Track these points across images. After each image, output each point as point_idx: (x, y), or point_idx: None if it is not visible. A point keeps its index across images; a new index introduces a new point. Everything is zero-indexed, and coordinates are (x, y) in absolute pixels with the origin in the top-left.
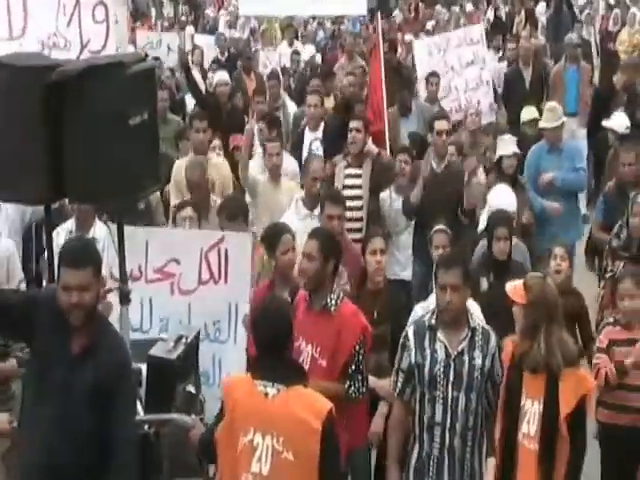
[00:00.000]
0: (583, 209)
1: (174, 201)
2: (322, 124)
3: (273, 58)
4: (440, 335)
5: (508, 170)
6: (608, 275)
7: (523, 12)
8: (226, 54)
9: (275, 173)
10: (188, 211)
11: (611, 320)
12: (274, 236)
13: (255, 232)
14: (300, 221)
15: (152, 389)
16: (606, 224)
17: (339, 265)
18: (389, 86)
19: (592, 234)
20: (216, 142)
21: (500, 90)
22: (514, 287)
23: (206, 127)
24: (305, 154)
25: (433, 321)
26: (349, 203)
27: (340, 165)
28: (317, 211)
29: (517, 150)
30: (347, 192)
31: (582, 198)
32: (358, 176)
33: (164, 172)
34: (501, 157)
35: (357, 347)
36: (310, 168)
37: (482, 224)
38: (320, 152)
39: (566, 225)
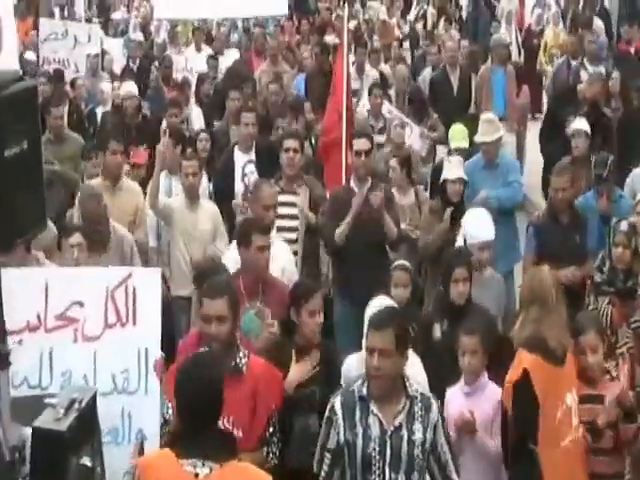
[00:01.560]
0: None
1: None
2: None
3: (179, 63)
4: (373, 407)
5: (453, 197)
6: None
7: (436, 10)
8: (138, 61)
9: (193, 195)
10: (77, 237)
11: None
12: (206, 277)
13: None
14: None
15: (38, 466)
16: (540, 256)
17: None
18: (320, 95)
19: (524, 268)
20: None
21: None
22: None
23: (122, 149)
24: (238, 178)
25: (364, 390)
26: (284, 235)
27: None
28: None
29: (463, 175)
30: (280, 222)
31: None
32: (293, 204)
33: (63, 196)
34: (445, 181)
35: (274, 406)
36: (261, 195)
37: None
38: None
39: (504, 249)
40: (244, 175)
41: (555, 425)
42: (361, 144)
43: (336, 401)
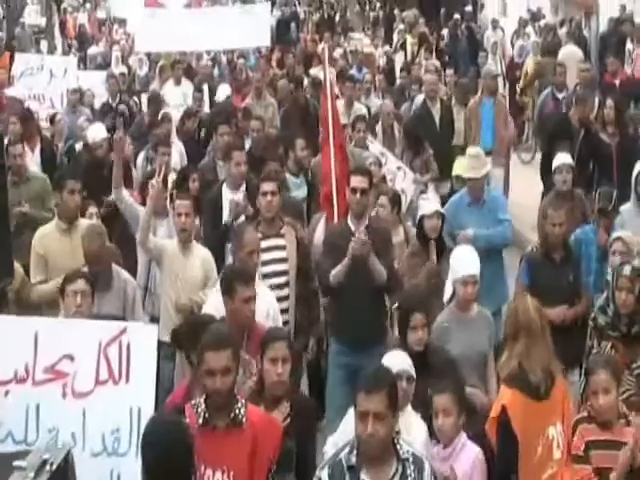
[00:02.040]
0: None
1: (35, 277)
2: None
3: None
4: (364, 476)
5: (431, 233)
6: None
7: (416, 39)
8: (118, 96)
9: (185, 238)
10: (80, 284)
11: (585, 414)
12: (195, 333)
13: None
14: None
15: None
16: (532, 292)
17: None
18: (297, 128)
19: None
20: (92, 210)
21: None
22: None
23: (79, 188)
24: (226, 217)
25: (353, 459)
26: (272, 281)
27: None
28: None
29: (439, 208)
30: (267, 269)
31: None
32: (280, 248)
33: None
34: (422, 217)
35: (273, 457)
36: (244, 239)
37: (446, 295)
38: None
39: (491, 288)
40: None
41: (535, 460)
42: (358, 182)
43: (323, 474)
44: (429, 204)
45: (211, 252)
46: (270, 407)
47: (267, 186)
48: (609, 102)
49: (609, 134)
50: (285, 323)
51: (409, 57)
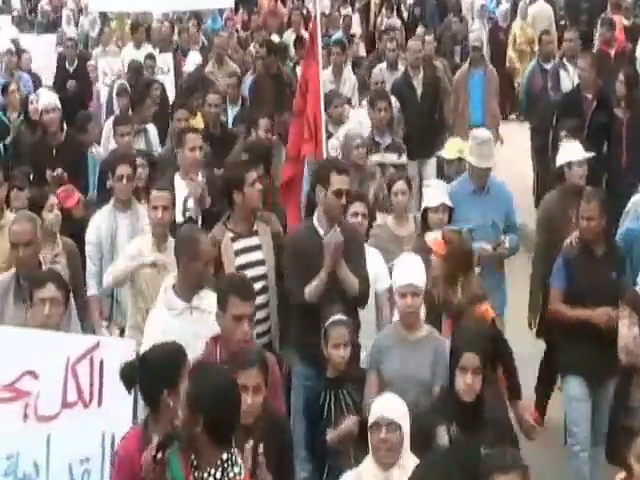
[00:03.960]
0: None
1: None
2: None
3: (115, 65)
4: None
5: (436, 228)
6: None
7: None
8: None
9: (161, 233)
10: (49, 290)
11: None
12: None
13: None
14: (175, 318)
15: None
16: (571, 293)
17: None
18: (269, 100)
19: (549, 308)
20: (53, 200)
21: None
22: (435, 241)
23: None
24: (179, 214)
25: None
26: None
27: (225, 240)
28: (197, 301)
29: (447, 201)
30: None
31: None
32: (256, 248)
33: None
34: (426, 210)
35: None
36: (200, 249)
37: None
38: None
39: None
40: (185, 210)
41: None
42: (341, 182)
43: None
44: (434, 194)
45: None
46: (240, 441)
47: (253, 174)
48: (621, 76)
49: (621, 108)
50: (264, 334)
51: (372, 18)
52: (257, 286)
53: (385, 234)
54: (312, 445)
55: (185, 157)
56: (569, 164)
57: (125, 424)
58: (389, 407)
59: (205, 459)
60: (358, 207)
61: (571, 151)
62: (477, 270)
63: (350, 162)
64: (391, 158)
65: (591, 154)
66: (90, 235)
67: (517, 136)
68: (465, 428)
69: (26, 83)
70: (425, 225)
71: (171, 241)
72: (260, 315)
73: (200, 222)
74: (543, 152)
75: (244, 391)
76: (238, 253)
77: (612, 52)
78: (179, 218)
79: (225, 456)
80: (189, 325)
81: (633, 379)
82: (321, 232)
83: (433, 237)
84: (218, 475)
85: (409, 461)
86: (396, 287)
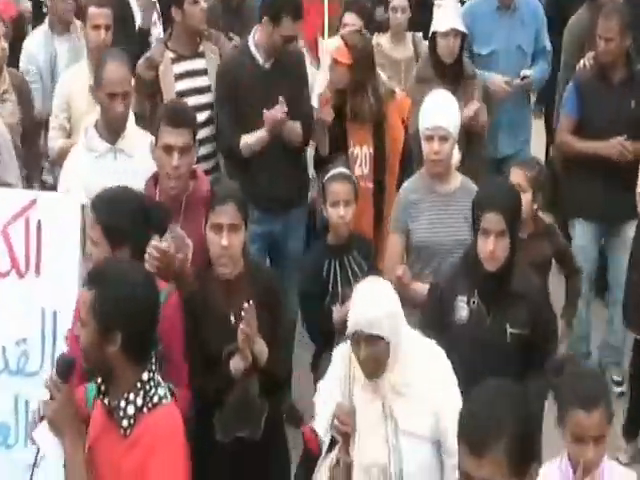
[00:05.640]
0: None
1: None
2: None
3: None
4: None
5: (446, 57)
6: None
7: None
8: None
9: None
10: None
11: None
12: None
13: None
14: (96, 161)
15: None
16: (581, 122)
17: None
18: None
19: (557, 141)
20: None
21: None
22: (336, 49)
23: None
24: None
25: None
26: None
27: (165, 61)
28: (123, 143)
29: (459, 26)
30: (187, 102)
31: None
32: (201, 72)
33: None
34: (435, 35)
35: None
36: (104, 75)
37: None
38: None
39: (511, 126)
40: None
41: None
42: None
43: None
44: (444, 17)
45: None
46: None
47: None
48: None
49: None
50: (211, 172)
51: None
52: (201, 117)
53: (380, 57)
54: (316, 325)
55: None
56: None
57: (69, 298)
58: (368, 313)
59: (120, 384)
60: (351, 18)
61: None
62: (476, 106)
63: None
64: None
65: None
66: (25, 64)
67: None
68: (489, 301)
69: None
70: (434, 53)
71: None
72: (205, 151)
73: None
74: None
75: (217, 231)
76: (179, 77)
77: None
78: None
79: (146, 376)
80: (111, 171)
81: None
82: (258, 59)
83: (333, 44)
84: (139, 401)
85: (406, 350)
86: (422, 129)
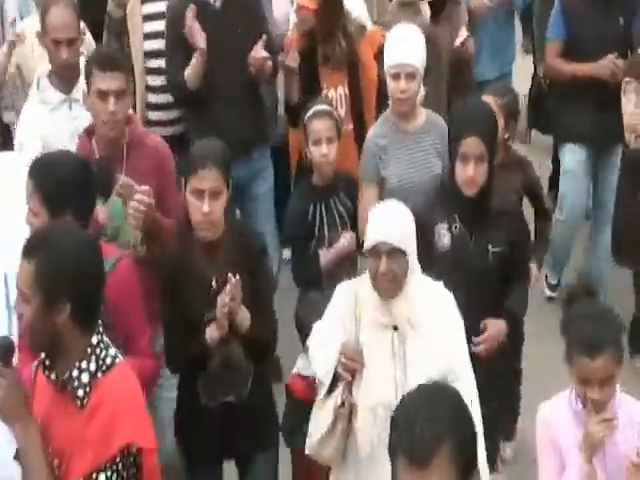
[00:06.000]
0: None
1: None
2: None
3: None
4: None
5: None
6: None
7: None
8: None
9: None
10: None
11: None
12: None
13: None
14: (51, 113)
15: None
16: (570, 44)
17: None
18: None
19: (545, 65)
20: None
21: None
22: None
23: None
24: None
25: None
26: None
27: (132, 1)
28: (77, 93)
29: None
30: (154, 45)
31: None
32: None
33: None
34: None
35: None
36: (48, 22)
37: None
38: None
39: (495, 46)
40: None
41: None
42: None
43: None
44: None
45: None
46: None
47: None
48: None
49: None
50: (178, 139)
51: None
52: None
53: None
54: (302, 270)
55: None
56: None
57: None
58: (390, 227)
59: (71, 354)
60: None
61: None
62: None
63: None
64: None
65: None
66: None
67: None
68: (470, 225)
69: None
70: None
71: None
72: (172, 115)
73: None
74: None
75: (198, 196)
76: (148, 18)
77: None
78: None
79: (95, 339)
80: (67, 122)
81: None
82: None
83: None
84: (92, 366)
85: (416, 288)
86: (386, 67)
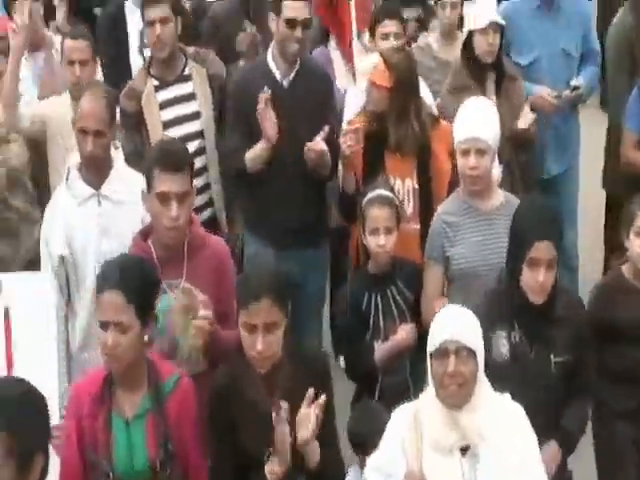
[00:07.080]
0: None
1: None
2: None
3: None
4: None
5: (484, 56)
6: None
7: None
8: None
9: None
10: None
11: None
12: None
13: None
14: (79, 207)
15: None
16: None
17: None
18: None
19: (622, 160)
20: None
21: None
22: (374, 70)
23: None
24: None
25: None
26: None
27: (147, 89)
28: (108, 188)
29: (497, 19)
30: (175, 132)
31: None
32: (189, 97)
33: None
34: (471, 34)
35: None
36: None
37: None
38: None
39: (561, 141)
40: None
41: None
42: (295, 9)
43: None
44: (480, 11)
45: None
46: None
47: (152, 12)
48: None
49: None
50: (205, 207)
51: None
52: (191, 147)
53: (427, 58)
54: (356, 364)
55: None
56: None
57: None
58: (460, 325)
59: None
60: (390, 26)
61: None
62: (532, 117)
63: None
64: None
65: None
66: None
67: None
68: (532, 334)
69: None
70: (470, 53)
71: None
72: (196, 183)
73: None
74: None
75: (251, 331)
76: (165, 105)
77: None
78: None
79: None
80: (95, 218)
81: None
82: (276, 74)
83: (369, 64)
84: None
85: (484, 397)
86: (456, 143)
